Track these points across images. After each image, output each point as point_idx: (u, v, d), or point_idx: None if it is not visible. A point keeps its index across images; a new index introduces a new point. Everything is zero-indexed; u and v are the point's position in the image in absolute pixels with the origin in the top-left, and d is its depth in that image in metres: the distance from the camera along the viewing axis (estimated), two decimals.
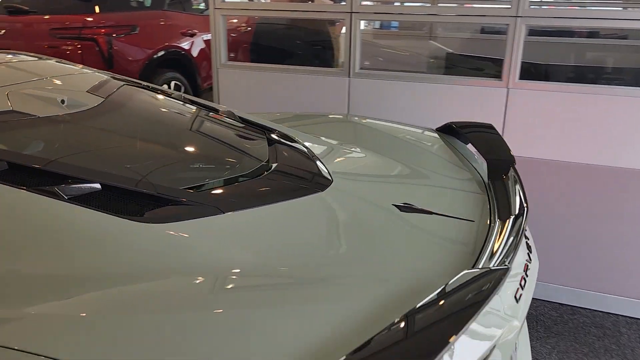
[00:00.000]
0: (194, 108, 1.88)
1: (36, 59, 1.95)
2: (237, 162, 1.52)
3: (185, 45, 4.98)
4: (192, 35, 5.05)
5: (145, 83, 2.02)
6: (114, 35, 4.30)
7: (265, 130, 1.78)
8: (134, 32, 4.48)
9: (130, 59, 4.41)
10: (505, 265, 1.06)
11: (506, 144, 1.76)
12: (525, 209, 1.33)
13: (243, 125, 1.82)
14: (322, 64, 3.97)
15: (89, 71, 1.91)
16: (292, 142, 1.69)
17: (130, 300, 0.89)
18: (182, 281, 0.95)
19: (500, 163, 1.61)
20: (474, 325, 0.93)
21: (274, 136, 1.71)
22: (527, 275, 1.26)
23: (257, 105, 2.72)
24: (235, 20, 4.54)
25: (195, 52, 5.09)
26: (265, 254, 1.06)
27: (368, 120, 2.16)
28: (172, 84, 4.84)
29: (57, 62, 1.97)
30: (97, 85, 1.71)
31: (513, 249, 1.16)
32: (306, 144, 1.70)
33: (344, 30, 2.56)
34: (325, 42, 3.84)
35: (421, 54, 3.99)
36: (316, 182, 1.39)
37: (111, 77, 1.90)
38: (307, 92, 2.67)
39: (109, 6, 4.43)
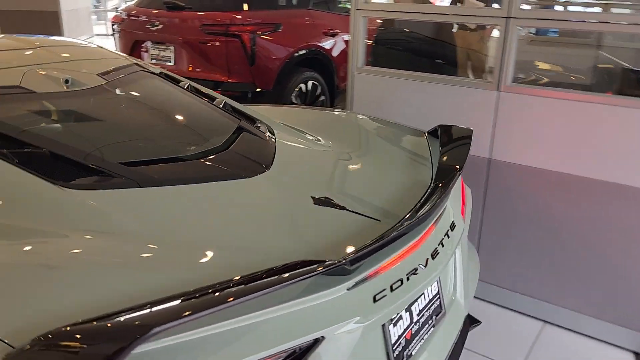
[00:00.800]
0: (186, 95, 2.02)
1: (84, 44, 2.25)
2: (185, 145, 1.66)
3: (326, 45, 4.92)
4: (333, 35, 4.98)
5: (163, 72, 2.16)
6: (258, 32, 4.36)
7: (244, 120, 1.89)
8: (277, 30, 4.52)
9: (271, 56, 4.46)
10: (334, 261, 1.05)
11: (467, 152, 1.72)
12: (425, 215, 1.31)
13: (223, 113, 1.93)
14: (451, 72, 3.65)
15: (120, 57, 2.14)
16: (261, 133, 1.81)
17: (18, 250, 1.08)
18: (74, 239, 1.12)
19: (447, 169, 1.60)
20: (281, 313, 1.02)
21: (246, 126, 1.83)
22: (407, 279, 1.26)
23: (391, 115, 2.52)
24: (380, 21, 4.37)
25: (335, 53, 5.02)
26: (150, 226, 1.21)
27: (363, 117, 2.28)
28: (310, 83, 4.82)
29: (97, 47, 2.22)
30: (112, 69, 1.92)
31: (372, 249, 1.14)
32: (277, 136, 1.80)
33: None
34: (456, 50, 3.52)
35: (587, 66, 3.49)
36: (250, 169, 1.51)
37: (135, 63, 2.09)
38: (447, 104, 2.41)
39: (258, 4, 4.51)
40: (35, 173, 1.24)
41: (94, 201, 1.23)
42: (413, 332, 1.35)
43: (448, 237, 1.50)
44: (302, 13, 4.88)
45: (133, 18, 4.87)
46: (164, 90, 2.01)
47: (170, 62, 4.62)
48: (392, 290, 1.21)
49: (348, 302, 1.12)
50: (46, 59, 1.87)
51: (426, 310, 1.43)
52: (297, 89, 4.73)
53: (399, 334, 1.29)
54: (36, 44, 2.02)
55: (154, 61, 4.73)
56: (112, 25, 5.18)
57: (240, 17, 4.34)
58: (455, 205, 1.67)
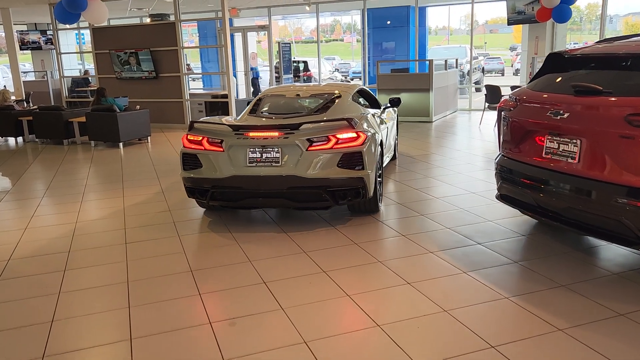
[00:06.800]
0: (332, 102, 5.89)
1: (341, 84, 7.11)
2: (291, 112, 5.83)
3: None
4: None
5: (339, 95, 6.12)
6: None
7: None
8: None
9: None
10: (230, 124, 5.28)
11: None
12: (272, 127, 5.06)
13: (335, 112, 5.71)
14: None
15: (337, 93, 6.13)
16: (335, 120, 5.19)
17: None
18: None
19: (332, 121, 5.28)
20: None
21: (329, 108, 5.80)
22: (251, 139, 4.96)
23: None
24: None
25: None
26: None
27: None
28: None
29: (339, 84, 7.05)
30: (324, 92, 6.20)
31: None
32: (334, 106, 5.78)
33: None
34: None
35: None
36: (292, 128, 4.91)
37: (338, 93, 6.10)
38: None
39: None
40: (249, 110, 6.07)
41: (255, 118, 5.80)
42: (261, 160, 4.89)
43: (286, 137, 4.83)
44: None
45: (527, 104, 4.20)
46: (323, 100, 5.92)
47: (572, 159, 3.72)
48: (243, 139, 4.93)
49: (235, 136, 4.96)
50: (312, 88, 6.62)
51: (272, 158, 4.86)
52: None
53: (253, 156, 4.90)
54: (325, 84, 7.26)
55: (549, 155, 3.92)
56: (500, 111, 4.60)
57: None
58: (307, 133, 4.87)
